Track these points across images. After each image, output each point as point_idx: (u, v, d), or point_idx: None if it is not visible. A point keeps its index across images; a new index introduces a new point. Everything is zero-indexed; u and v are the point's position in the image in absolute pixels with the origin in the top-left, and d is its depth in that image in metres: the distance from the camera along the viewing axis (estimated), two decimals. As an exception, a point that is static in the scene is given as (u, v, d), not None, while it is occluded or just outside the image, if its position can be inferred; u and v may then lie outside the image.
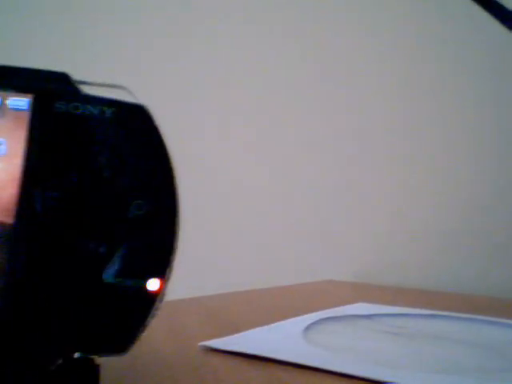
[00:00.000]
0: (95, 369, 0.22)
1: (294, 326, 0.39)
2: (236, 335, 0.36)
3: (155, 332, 0.38)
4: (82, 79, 0.21)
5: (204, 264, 0.83)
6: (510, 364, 0.31)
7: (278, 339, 0.35)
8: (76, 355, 0.21)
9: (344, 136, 0.75)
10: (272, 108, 0.80)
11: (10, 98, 0.20)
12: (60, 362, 0.21)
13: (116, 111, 0.20)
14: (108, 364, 0.30)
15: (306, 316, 0.42)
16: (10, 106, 0.20)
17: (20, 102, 0.20)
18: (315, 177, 0.77)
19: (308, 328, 0.39)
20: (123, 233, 0.21)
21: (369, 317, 0.44)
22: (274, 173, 0.80)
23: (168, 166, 0.22)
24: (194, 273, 0.83)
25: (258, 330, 0.38)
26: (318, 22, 0.77)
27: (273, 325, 0.39)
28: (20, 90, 0.20)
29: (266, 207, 0.80)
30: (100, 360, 0.23)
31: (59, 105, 0.20)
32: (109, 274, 0.21)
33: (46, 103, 0.20)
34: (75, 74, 0.21)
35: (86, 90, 0.21)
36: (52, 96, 0.20)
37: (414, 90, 0.70)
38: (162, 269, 0.22)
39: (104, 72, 0.92)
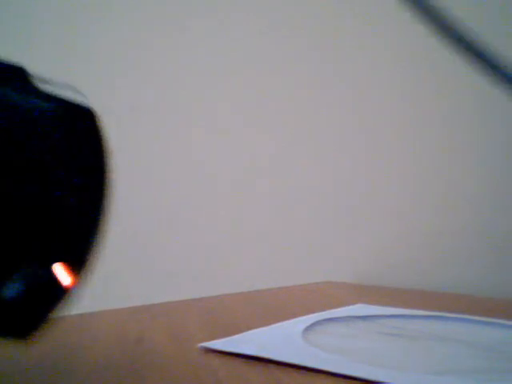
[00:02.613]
0: None
1: (294, 326, 0.39)
2: (236, 336, 0.36)
3: (155, 333, 0.38)
4: (37, 74, 0.21)
5: (203, 265, 0.83)
6: (509, 365, 0.31)
7: (278, 340, 0.35)
8: None
9: (344, 137, 0.75)
10: (271, 109, 0.80)
11: None
12: None
13: (59, 108, 0.20)
14: (108, 366, 0.30)
15: (305, 317, 0.42)
16: None
17: None
18: (315, 177, 0.77)
19: (307, 329, 0.39)
20: (39, 222, 0.19)
21: (368, 318, 0.44)
22: (273, 173, 0.80)
23: (102, 161, 0.21)
24: (194, 274, 0.83)
25: (257, 330, 0.38)
26: (322, 20, 0.77)
27: (272, 326, 0.39)
28: None
29: (265, 208, 0.80)
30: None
31: (10, 94, 0.20)
32: (17, 261, 0.19)
33: None
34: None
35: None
36: (5, 84, 0.20)
37: (417, 90, 0.70)
38: (76, 260, 0.21)
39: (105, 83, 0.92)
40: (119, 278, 0.89)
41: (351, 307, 0.48)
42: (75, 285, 0.21)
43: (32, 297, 0.20)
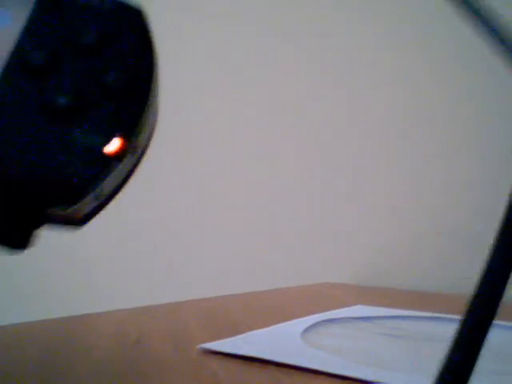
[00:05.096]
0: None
1: (293, 328, 0.39)
2: (235, 337, 0.36)
3: (154, 334, 0.38)
4: None
5: (202, 266, 0.83)
6: (507, 367, 0.31)
7: (277, 341, 0.35)
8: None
9: (342, 137, 0.75)
10: (270, 109, 0.80)
11: None
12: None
13: (114, 7, 0.22)
14: (107, 367, 0.30)
15: (304, 318, 0.42)
16: None
17: None
18: (312, 178, 0.77)
19: (307, 330, 0.39)
20: (94, 93, 0.21)
21: (368, 319, 0.44)
22: (271, 174, 0.80)
23: (151, 49, 0.22)
24: (193, 275, 0.83)
25: (256, 332, 0.38)
26: (319, 19, 0.77)
27: (271, 327, 0.39)
28: None
29: (264, 209, 0.80)
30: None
31: None
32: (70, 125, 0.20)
33: None
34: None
35: None
36: None
37: (414, 91, 0.70)
38: (125, 127, 0.21)
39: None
40: (119, 279, 0.89)
41: (350, 308, 0.48)
42: (123, 152, 0.21)
43: (81, 164, 0.20)
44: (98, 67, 0.21)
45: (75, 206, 0.21)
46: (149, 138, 0.23)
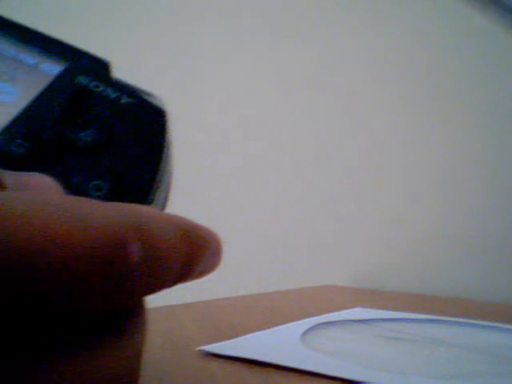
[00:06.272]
0: None
1: (292, 330, 0.39)
2: (234, 340, 0.36)
3: (153, 337, 0.38)
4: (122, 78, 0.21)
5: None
6: (507, 369, 0.31)
7: (276, 344, 0.35)
8: None
9: (343, 140, 0.75)
10: (268, 111, 0.80)
11: (46, 63, 0.21)
12: None
13: (133, 102, 0.20)
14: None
15: (304, 321, 0.42)
16: (40, 69, 0.21)
17: (52, 68, 0.21)
18: (313, 181, 0.77)
19: (306, 333, 0.39)
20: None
21: (367, 321, 0.44)
22: (270, 177, 0.80)
23: (159, 156, 0.21)
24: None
25: (255, 334, 0.38)
26: (316, 19, 0.77)
27: (271, 329, 0.39)
28: (57, 57, 0.21)
29: (263, 212, 0.80)
30: None
31: (82, 79, 0.20)
32: None
33: (72, 74, 0.20)
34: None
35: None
36: (80, 70, 0.21)
37: (415, 94, 0.70)
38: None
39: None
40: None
41: (350, 311, 0.48)
42: None
43: None
44: (94, 169, 0.19)
45: None
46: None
